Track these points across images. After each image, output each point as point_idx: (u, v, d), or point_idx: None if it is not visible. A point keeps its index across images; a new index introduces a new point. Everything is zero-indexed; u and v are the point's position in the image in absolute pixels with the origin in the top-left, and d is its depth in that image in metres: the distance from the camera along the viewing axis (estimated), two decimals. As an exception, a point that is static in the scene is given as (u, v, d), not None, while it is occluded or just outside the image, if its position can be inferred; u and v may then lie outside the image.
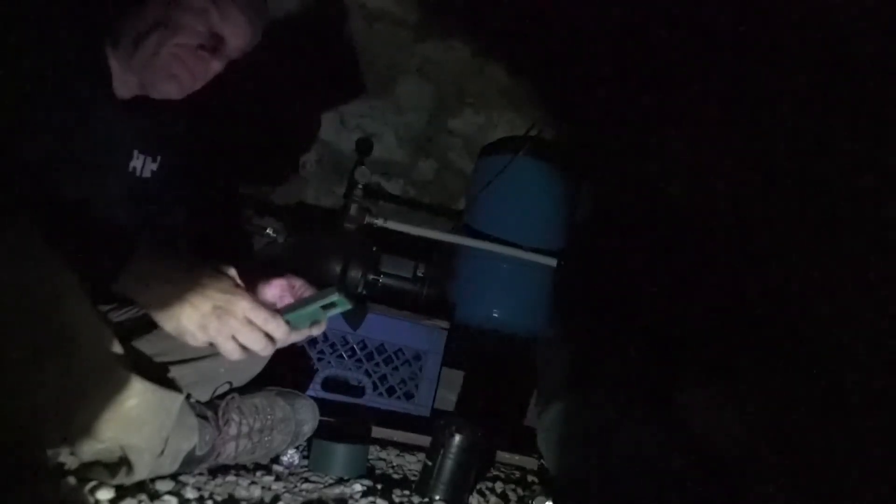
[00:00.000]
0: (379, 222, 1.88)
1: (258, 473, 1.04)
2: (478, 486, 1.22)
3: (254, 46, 1.14)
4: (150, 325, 0.88)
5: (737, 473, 1.18)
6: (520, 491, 1.27)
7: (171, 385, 0.87)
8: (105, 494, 0.77)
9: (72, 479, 0.76)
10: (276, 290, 1.05)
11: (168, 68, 1.02)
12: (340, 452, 1.14)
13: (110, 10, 1.01)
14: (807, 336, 1.23)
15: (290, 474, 1.08)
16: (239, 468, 1.03)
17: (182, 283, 0.83)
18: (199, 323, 0.83)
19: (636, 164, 1.94)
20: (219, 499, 0.90)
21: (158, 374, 0.90)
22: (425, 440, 1.25)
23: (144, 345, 0.94)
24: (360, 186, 1.85)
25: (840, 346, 1.15)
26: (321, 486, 1.06)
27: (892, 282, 1.09)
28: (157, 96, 1.06)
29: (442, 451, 1.09)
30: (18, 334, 0.71)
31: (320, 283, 1.07)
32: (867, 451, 1.04)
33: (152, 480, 0.87)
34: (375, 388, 1.68)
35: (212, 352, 0.87)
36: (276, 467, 1.09)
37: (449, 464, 1.09)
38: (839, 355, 1.15)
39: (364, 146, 2.07)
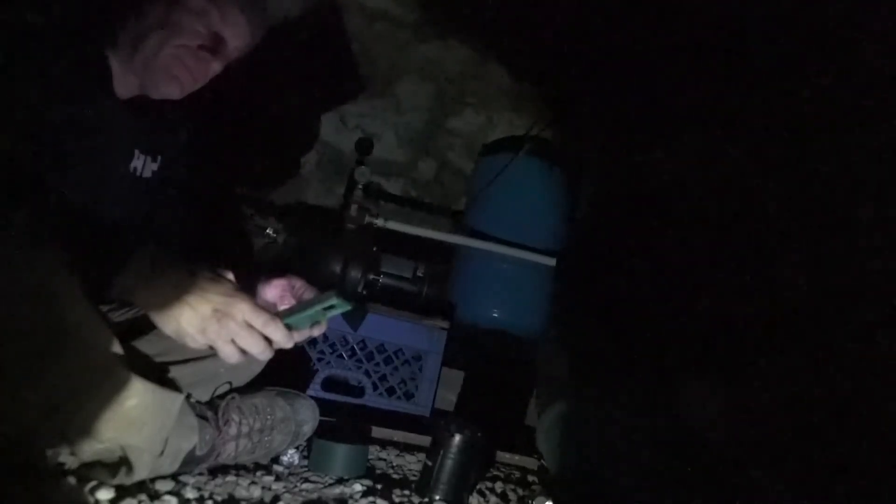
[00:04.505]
0: (379, 222, 1.88)
1: (258, 473, 1.04)
2: (478, 486, 1.22)
3: (254, 47, 1.14)
4: (150, 325, 0.88)
5: (736, 470, 1.18)
6: (520, 491, 1.27)
7: (171, 385, 0.87)
8: (105, 494, 0.77)
9: (72, 479, 0.76)
10: (276, 290, 1.05)
11: (168, 69, 1.02)
12: (340, 452, 1.14)
13: (111, 11, 1.02)
14: (804, 332, 1.23)
15: (290, 474, 1.08)
16: (239, 468, 1.03)
17: (182, 286, 0.83)
18: (199, 326, 0.82)
19: (636, 163, 1.94)
20: (219, 499, 0.90)
21: (158, 374, 0.90)
22: (425, 440, 1.25)
23: (144, 345, 0.94)
24: (360, 186, 1.85)
25: (838, 343, 1.16)
26: (321, 486, 1.06)
27: (890, 279, 1.09)
28: (157, 97, 1.06)
29: (442, 451, 1.09)
30: (19, 335, 0.71)
31: (320, 283, 1.08)
32: (865, 448, 1.04)
33: (152, 480, 0.87)
34: (375, 388, 1.68)
35: (212, 352, 0.87)
36: (276, 467, 1.09)
37: (449, 464, 1.09)
38: (837, 351, 1.15)
39: (364, 146, 2.07)
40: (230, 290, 0.85)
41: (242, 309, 0.84)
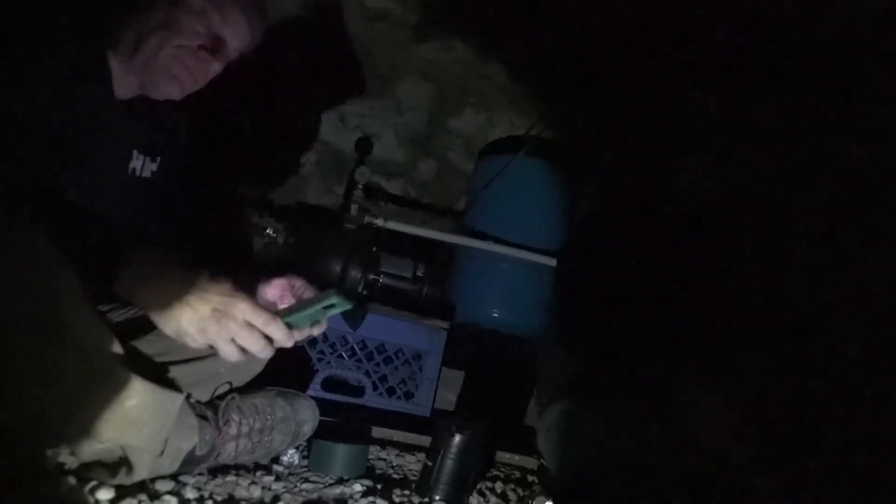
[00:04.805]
0: (379, 222, 1.88)
1: (258, 473, 1.04)
2: (478, 486, 1.22)
3: (254, 47, 1.14)
4: (150, 325, 0.88)
5: (735, 472, 1.18)
6: (520, 491, 1.27)
7: (171, 385, 0.87)
8: (105, 494, 0.77)
9: (72, 479, 0.76)
10: (276, 289, 1.05)
11: (168, 69, 1.02)
12: (340, 452, 1.14)
13: (111, 12, 1.02)
14: (806, 335, 1.23)
15: (290, 474, 1.09)
16: (239, 468, 1.03)
17: (181, 286, 0.83)
18: (198, 325, 0.83)
19: (636, 163, 1.94)
20: (219, 499, 0.90)
21: (158, 374, 0.90)
22: (425, 440, 1.25)
23: (144, 345, 0.93)
24: (360, 186, 1.85)
25: (838, 345, 1.15)
26: (321, 486, 1.06)
27: (890, 279, 1.09)
28: (157, 97, 1.06)
29: (442, 451, 1.09)
30: (18, 335, 0.71)
31: (320, 283, 1.07)
32: (864, 450, 1.04)
33: (152, 480, 0.87)
34: (375, 388, 1.68)
35: (212, 352, 0.87)
36: (276, 467, 1.09)
37: (449, 464, 1.09)
38: (838, 354, 1.15)
39: (364, 146, 2.07)
40: (230, 290, 0.85)
41: (242, 308, 0.84)
